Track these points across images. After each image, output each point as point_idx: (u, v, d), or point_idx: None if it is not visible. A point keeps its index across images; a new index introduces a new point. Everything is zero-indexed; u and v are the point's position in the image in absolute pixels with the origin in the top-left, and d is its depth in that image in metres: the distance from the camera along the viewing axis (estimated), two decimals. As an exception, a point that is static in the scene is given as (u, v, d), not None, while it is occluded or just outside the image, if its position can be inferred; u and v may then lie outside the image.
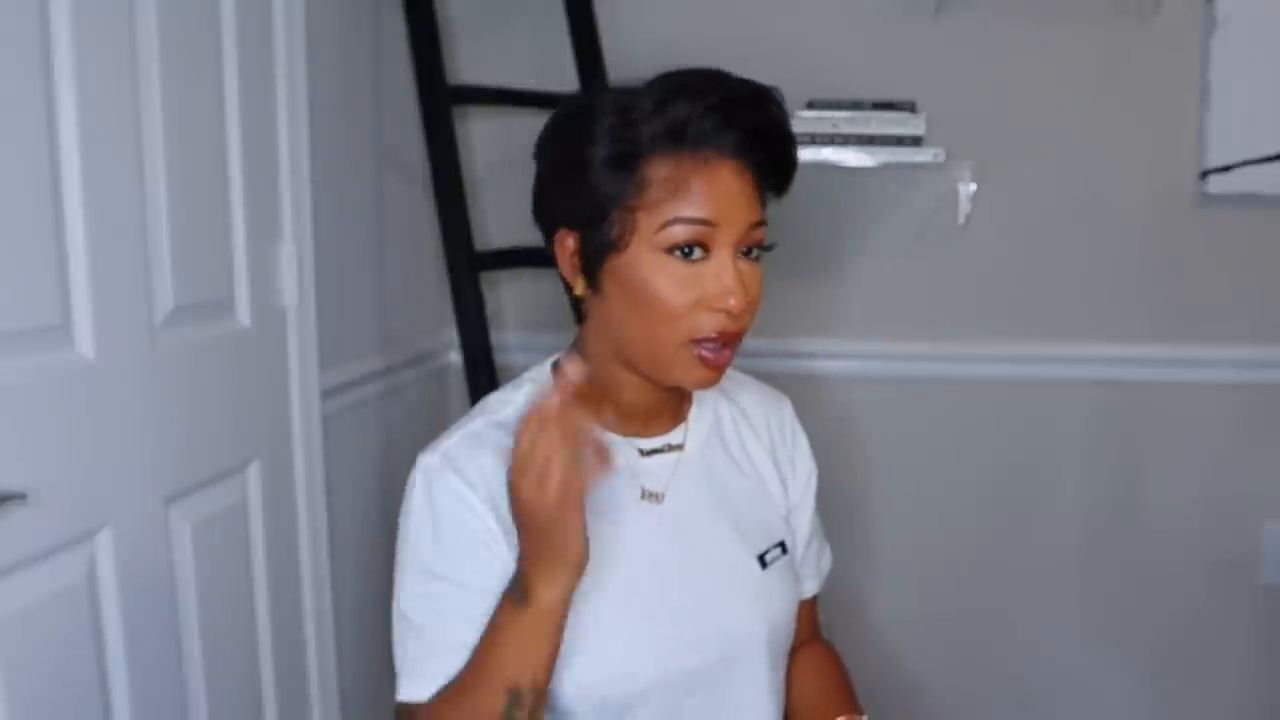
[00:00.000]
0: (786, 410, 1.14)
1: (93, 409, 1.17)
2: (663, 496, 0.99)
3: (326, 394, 1.66)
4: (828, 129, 1.91)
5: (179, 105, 1.29)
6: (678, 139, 0.88)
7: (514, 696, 0.86)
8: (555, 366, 1.01)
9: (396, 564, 0.95)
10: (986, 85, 1.99)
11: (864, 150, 1.92)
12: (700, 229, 0.88)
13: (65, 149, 1.11)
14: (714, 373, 0.93)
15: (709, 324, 0.90)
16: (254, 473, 1.50)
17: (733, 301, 0.89)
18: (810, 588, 1.15)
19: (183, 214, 1.30)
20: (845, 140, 1.92)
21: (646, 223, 0.89)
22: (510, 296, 2.15)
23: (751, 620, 1.01)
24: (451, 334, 1.98)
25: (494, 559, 0.91)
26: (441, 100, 1.80)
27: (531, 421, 0.82)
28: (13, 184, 1.05)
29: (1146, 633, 2.11)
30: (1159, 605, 2.09)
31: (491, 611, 0.89)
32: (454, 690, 0.89)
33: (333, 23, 1.70)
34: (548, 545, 0.84)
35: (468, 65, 2.05)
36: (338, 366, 1.71)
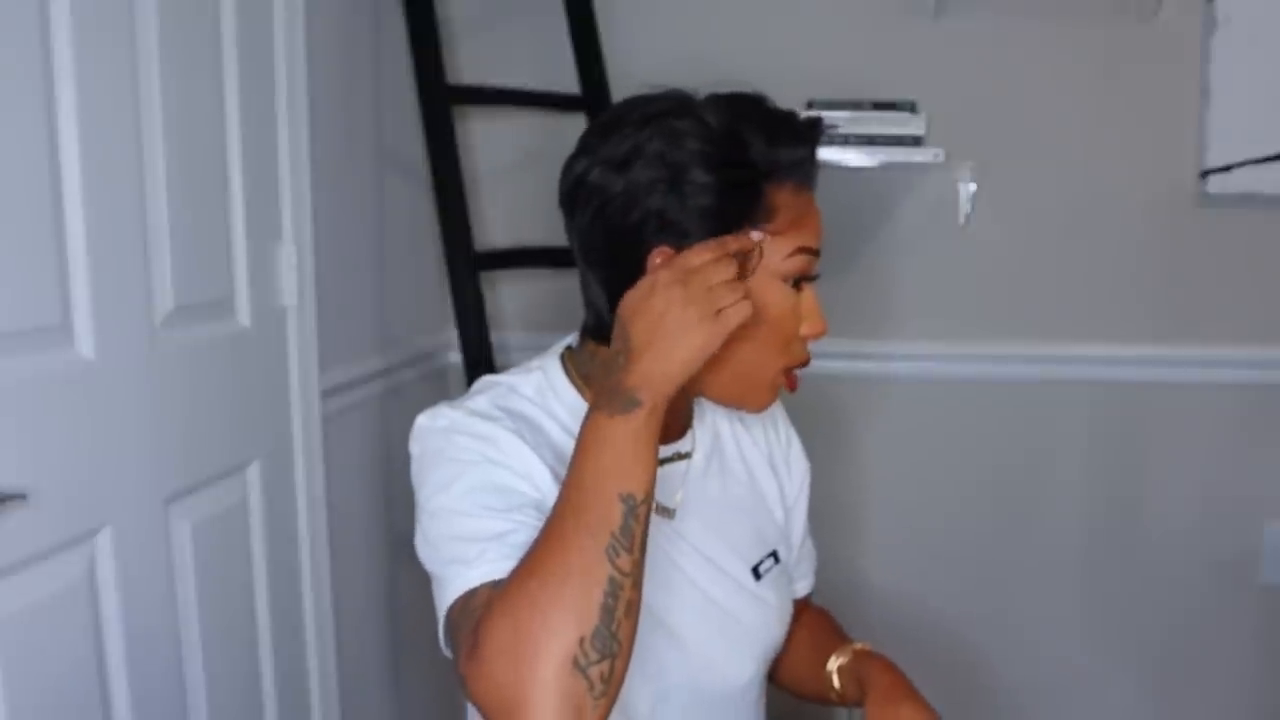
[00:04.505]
0: (779, 412, 1.15)
1: (93, 409, 1.17)
2: (674, 512, 0.99)
3: (326, 394, 1.66)
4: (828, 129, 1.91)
5: (179, 105, 1.29)
6: (792, 172, 0.92)
7: (630, 505, 0.79)
8: (565, 353, 1.01)
9: (419, 509, 0.90)
10: (986, 85, 1.99)
11: (864, 150, 1.92)
12: (813, 260, 0.93)
13: (65, 149, 1.11)
14: (777, 397, 0.98)
15: (802, 352, 0.95)
16: (254, 473, 1.50)
17: (824, 329, 0.94)
18: (804, 586, 1.16)
19: (183, 214, 1.30)
20: (845, 140, 1.92)
21: (774, 248, 0.90)
22: (510, 296, 2.15)
23: (749, 636, 1.02)
24: (451, 334, 1.98)
25: (545, 472, 0.88)
26: (441, 100, 1.80)
27: (715, 245, 0.83)
28: (13, 184, 1.05)
29: (1146, 633, 2.11)
30: (1159, 605, 2.09)
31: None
32: (550, 527, 0.80)
33: (333, 23, 1.70)
34: (677, 357, 0.80)
35: (468, 65, 2.05)
36: (338, 366, 1.71)
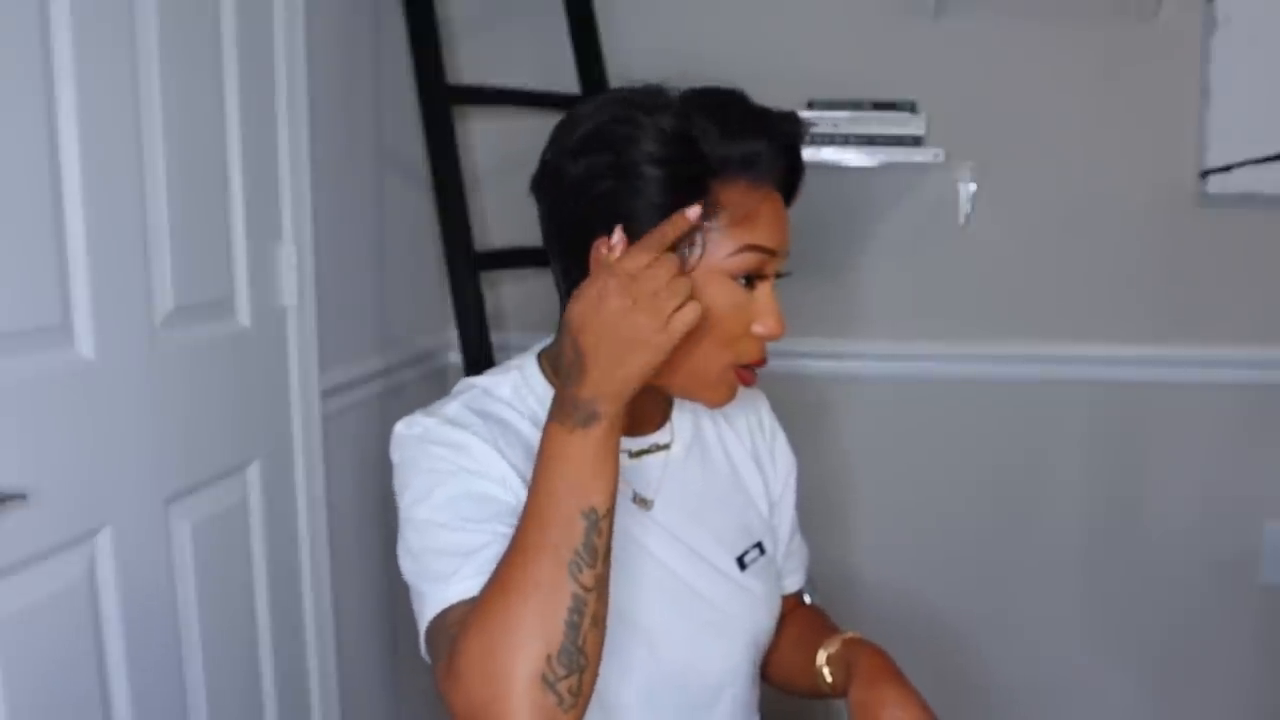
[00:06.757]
0: (764, 406, 1.14)
1: (93, 409, 1.17)
2: (653, 503, 0.99)
3: (326, 394, 1.66)
4: (828, 129, 1.91)
5: (179, 105, 1.29)
6: (748, 168, 0.89)
7: (592, 520, 0.79)
8: (541, 354, 1.01)
9: (400, 519, 0.90)
10: (986, 85, 1.99)
11: (864, 150, 1.92)
12: (765, 258, 0.90)
13: (65, 149, 1.11)
14: (735, 394, 0.95)
15: (754, 350, 0.92)
16: (254, 473, 1.50)
17: (777, 330, 0.91)
18: (794, 582, 1.16)
19: (183, 214, 1.30)
20: (845, 140, 1.92)
21: (717, 245, 0.88)
22: (510, 296, 2.15)
23: (735, 625, 1.01)
24: (451, 334, 1.98)
25: (517, 478, 0.88)
26: (441, 100, 1.80)
27: (654, 242, 0.81)
28: (13, 184, 1.05)
29: (1146, 633, 2.11)
30: (1159, 605, 2.09)
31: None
32: (515, 544, 0.81)
33: (333, 23, 1.70)
34: (630, 366, 0.79)
35: (468, 65, 2.05)
36: (338, 366, 1.71)
